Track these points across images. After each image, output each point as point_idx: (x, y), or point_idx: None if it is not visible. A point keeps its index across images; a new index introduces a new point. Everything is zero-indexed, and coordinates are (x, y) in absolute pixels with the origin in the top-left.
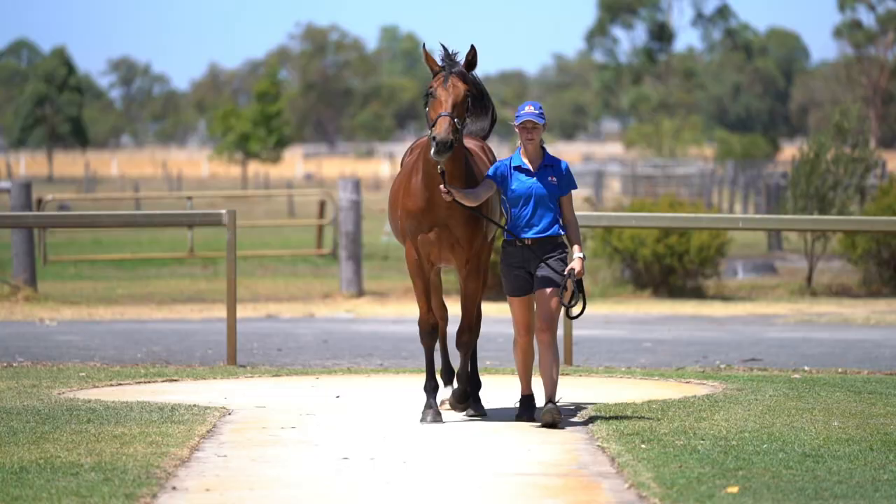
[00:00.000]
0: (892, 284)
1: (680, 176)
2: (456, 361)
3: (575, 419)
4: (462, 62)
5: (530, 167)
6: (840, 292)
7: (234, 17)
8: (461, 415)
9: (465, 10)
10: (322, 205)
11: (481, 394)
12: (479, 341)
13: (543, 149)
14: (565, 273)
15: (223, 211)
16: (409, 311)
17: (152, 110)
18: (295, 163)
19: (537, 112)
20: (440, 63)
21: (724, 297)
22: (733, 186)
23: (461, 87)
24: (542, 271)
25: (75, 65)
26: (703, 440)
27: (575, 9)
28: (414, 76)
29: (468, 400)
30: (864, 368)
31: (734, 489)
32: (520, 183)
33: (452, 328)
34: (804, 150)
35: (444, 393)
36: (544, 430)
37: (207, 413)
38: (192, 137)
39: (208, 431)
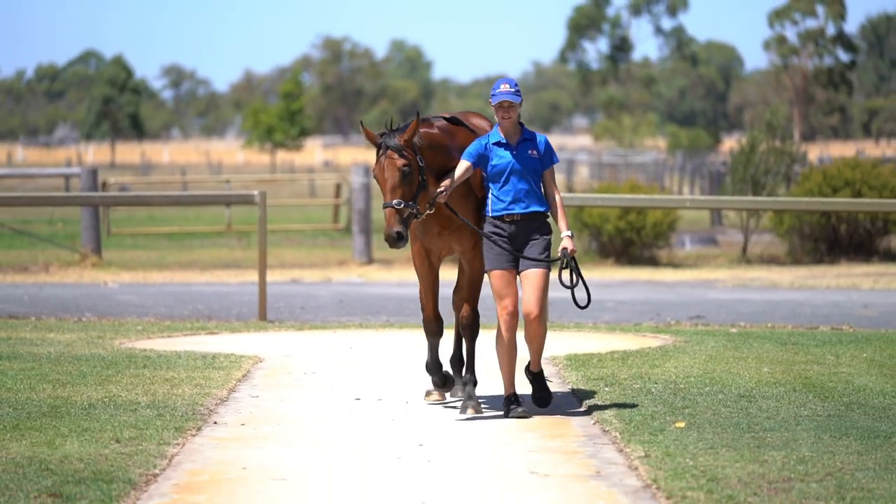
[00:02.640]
0: (813, 254)
1: (638, 164)
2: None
3: (550, 367)
4: (399, 134)
5: (509, 142)
6: (770, 261)
7: (265, 30)
8: (459, 415)
9: (459, 24)
10: (338, 187)
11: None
12: None
13: (521, 124)
14: (559, 253)
15: (255, 192)
16: (411, 276)
17: (197, 108)
18: (315, 151)
19: (513, 90)
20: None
21: (674, 265)
22: (682, 173)
23: (398, 163)
24: (529, 252)
25: (133, 70)
26: (656, 384)
27: (552, 22)
28: (415, 79)
29: (475, 384)
30: (789, 324)
31: (681, 424)
32: (500, 158)
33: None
34: (742, 143)
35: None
36: (521, 371)
37: (242, 361)
38: (229, 130)
39: (243, 376)
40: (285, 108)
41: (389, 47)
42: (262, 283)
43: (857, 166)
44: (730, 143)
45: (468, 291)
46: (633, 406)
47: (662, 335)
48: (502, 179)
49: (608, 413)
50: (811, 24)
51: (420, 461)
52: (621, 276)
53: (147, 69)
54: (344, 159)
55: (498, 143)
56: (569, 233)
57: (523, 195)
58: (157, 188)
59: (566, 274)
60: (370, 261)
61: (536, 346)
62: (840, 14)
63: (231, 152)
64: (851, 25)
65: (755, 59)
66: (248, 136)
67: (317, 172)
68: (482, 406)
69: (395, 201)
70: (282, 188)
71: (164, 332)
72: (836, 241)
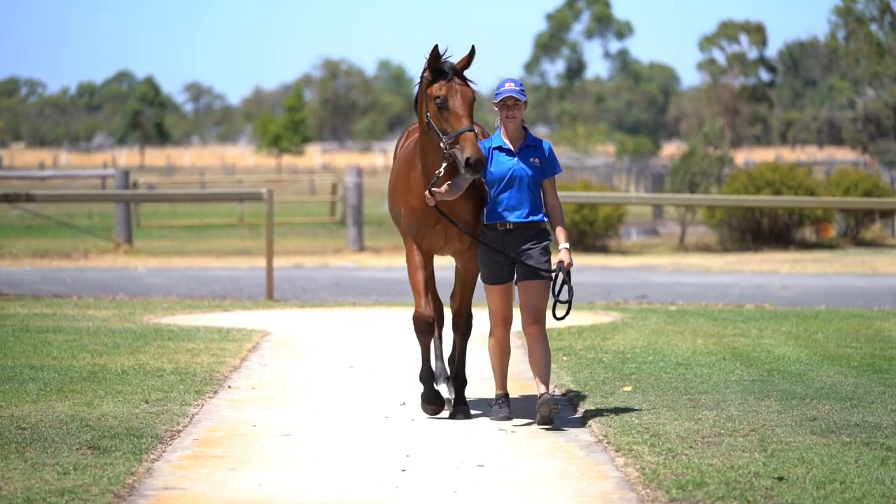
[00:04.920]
0: (739, 243)
1: (590, 167)
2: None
3: (515, 339)
4: (458, 63)
5: (511, 147)
6: (703, 249)
7: (272, 52)
8: (444, 414)
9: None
10: (334, 186)
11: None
12: None
13: (526, 129)
14: (555, 266)
15: (263, 190)
16: (397, 262)
17: (214, 119)
18: (314, 156)
19: (518, 88)
20: (442, 67)
21: (622, 253)
22: (628, 174)
23: (469, 92)
24: (528, 262)
25: (160, 87)
26: (606, 354)
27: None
28: (399, 94)
29: (464, 385)
30: (719, 302)
31: (628, 388)
32: (499, 164)
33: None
34: (682, 150)
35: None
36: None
37: (252, 334)
38: (241, 138)
39: (253, 347)
40: (289, 119)
41: (378, 66)
42: (269, 267)
43: (777, 169)
44: (669, 148)
45: (461, 291)
46: (587, 373)
47: (612, 312)
48: (500, 186)
49: (566, 378)
50: (737, 48)
51: (405, 420)
52: (576, 263)
53: (172, 86)
54: (339, 162)
55: (500, 148)
56: (566, 245)
57: (519, 204)
58: (180, 187)
59: (561, 286)
60: (362, 249)
61: (543, 369)
62: (761, 41)
63: (243, 156)
64: (771, 50)
65: (690, 77)
66: (258, 142)
67: (316, 173)
68: (471, 410)
69: (474, 126)
70: (286, 187)
71: (186, 309)
72: (760, 232)
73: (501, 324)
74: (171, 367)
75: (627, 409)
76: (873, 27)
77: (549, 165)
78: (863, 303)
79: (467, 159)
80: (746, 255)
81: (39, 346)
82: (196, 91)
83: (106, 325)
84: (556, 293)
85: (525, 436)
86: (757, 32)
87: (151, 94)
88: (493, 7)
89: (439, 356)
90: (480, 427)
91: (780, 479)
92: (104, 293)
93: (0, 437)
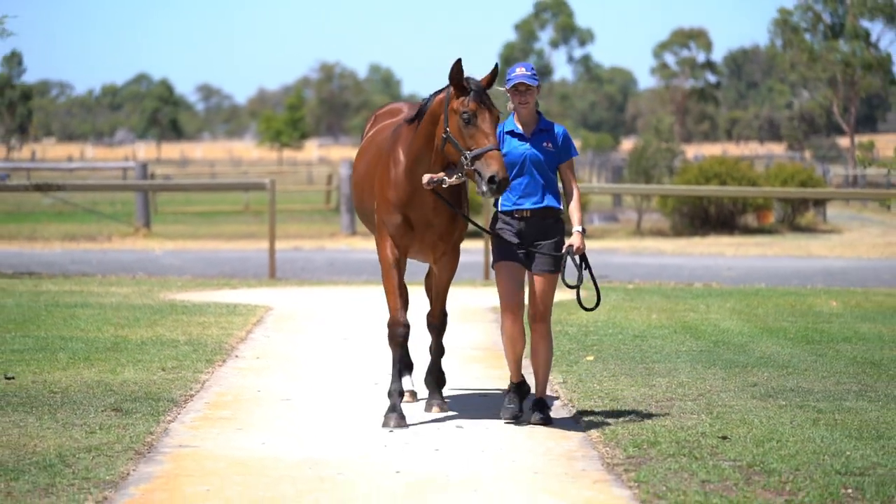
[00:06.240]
0: (689, 229)
1: None
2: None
3: (490, 314)
4: (482, 81)
5: (524, 132)
6: (658, 234)
7: (275, 57)
8: (424, 411)
9: (421, 50)
10: (329, 176)
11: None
12: None
13: (539, 113)
14: (563, 250)
15: (266, 180)
16: None
17: (222, 116)
18: (312, 150)
19: (530, 73)
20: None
21: (586, 237)
22: (591, 167)
23: (497, 111)
24: (539, 258)
25: (174, 88)
26: (571, 327)
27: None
28: (388, 94)
29: (442, 381)
30: (672, 281)
31: (591, 358)
32: (512, 148)
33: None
34: (637, 144)
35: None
36: (473, 324)
37: (257, 309)
38: (247, 133)
39: (258, 321)
40: (290, 117)
41: (368, 69)
42: (272, 250)
43: (723, 162)
44: (627, 144)
45: (436, 295)
46: (554, 344)
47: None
48: (514, 172)
49: None
50: (687, 54)
51: None
52: None
53: (185, 87)
54: (335, 156)
55: (512, 133)
56: (580, 228)
57: (534, 189)
58: (192, 178)
59: (572, 272)
60: (354, 233)
61: (543, 368)
62: (708, 47)
63: (248, 150)
64: (717, 56)
65: (646, 80)
66: (261, 137)
67: (313, 166)
68: (447, 404)
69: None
70: (287, 177)
71: (198, 287)
72: (707, 218)
73: (510, 313)
74: (184, 338)
75: (590, 377)
76: (807, 37)
77: (563, 150)
78: (798, 282)
79: (492, 177)
80: (695, 239)
81: (69, 319)
82: (207, 91)
83: (127, 301)
84: (565, 280)
85: (498, 398)
86: (704, 40)
87: (167, 95)
88: (466, 18)
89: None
90: (460, 393)
91: (724, 438)
92: (125, 272)
93: (34, 401)
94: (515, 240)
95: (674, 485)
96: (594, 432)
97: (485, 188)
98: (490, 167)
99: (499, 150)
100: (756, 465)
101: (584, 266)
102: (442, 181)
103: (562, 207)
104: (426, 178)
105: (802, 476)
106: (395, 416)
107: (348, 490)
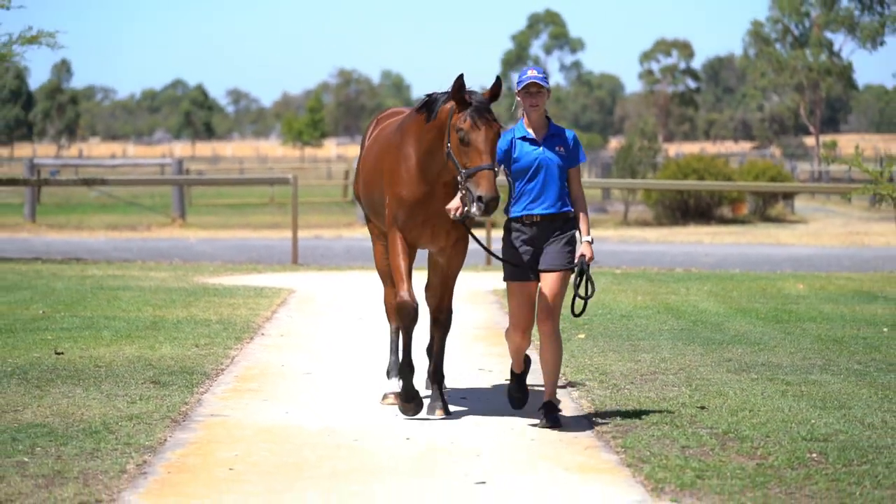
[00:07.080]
0: (671, 219)
1: None
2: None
3: (490, 296)
4: (484, 95)
5: (535, 137)
6: (642, 224)
7: (298, 64)
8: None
9: (429, 58)
10: (346, 172)
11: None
12: None
13: (548, 118)
14: (576, 260)
15: (290, 175)
16: None
17: (250, 118)
18: (331, 148)
19: (541, 75)
20: (468, 99)
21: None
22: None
23: (496, 128)
24: (549, 255)
25: (208, 93)
26: (564, 308)
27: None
28: (399, 98)
29: (442, 381)
30: (655, 267)
31: (582, 336)
32: (525, 154)
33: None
34: (623, 143)
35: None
36: (475, 308)
37: (281, 292)
38: (272, 133)
39: (282, 302)
40: (311, 118)
41: (381, 75)
42: (294, 238)
43: (701, 160)
44: (615, 143)
45: (442, 288)
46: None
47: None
48: (526, 177)
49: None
50: (669, 61)
51: None
52: None
53: (217, 91)
54: (351, 153)
55: (524, 138)
56: (589, 238)
57: (546, 195)
58: (223, 173)
59: (584, 281)
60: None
61: (551, 371)
62: (689, 55)
63: (273, 148)
64: (697, 63)
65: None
66: (285, 137)
67: (332, 162)
68: (449, 406)
69: (494, 165)
70: (308, 173)
71: (228, 272)
72: (687, 210)
73: (520, 331)
74: (216, 318)
75: (581, 353)
76: (777, 46)
77: (573, 154)
78: (768, 267)
79: (480, 197)
80: (677, 228)
81: (112, 300)
82: (236, 95)
83: (164, 284)
84: (577, 286)
85: (499, 374)
86: (685, 48)
87: (201, 98)
88: (467, 31)
89: (394, 350)
90: (464, 366)
91: (702, 408)
92: (163, 259)
93: (81, 374)
94: (526, 247)
95: (657, 450)
96: (585, 403)
97: (473, 209)
98: (480, 187)
99: (492, 169)
100: (731, 432)
101: (586, 279)
102: (468, 215)
103: (571, 211)
104: (453, 206)
105: (772, 442)
106: (413, 405)
107: (364, 456)
